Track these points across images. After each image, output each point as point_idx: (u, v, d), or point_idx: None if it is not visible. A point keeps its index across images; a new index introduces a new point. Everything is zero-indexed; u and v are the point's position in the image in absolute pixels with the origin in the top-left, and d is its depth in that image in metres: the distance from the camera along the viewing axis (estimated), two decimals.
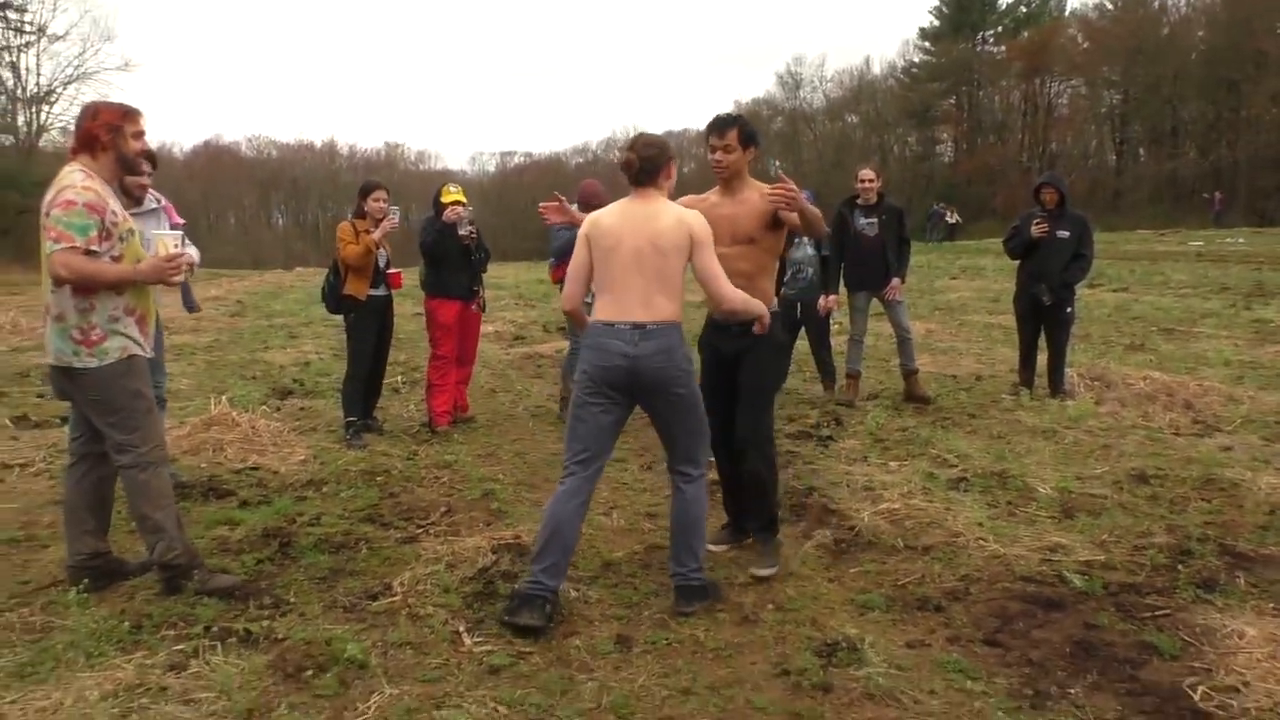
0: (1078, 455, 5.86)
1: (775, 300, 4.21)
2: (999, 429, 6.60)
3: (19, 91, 41.69)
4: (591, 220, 3.76)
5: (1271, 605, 3.61)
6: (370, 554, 4.29)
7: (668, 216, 3.62)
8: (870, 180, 7.46)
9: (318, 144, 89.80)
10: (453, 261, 6.71)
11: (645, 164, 3.66)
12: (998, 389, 7.96)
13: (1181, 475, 5.33)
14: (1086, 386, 7.53)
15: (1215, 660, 3.18)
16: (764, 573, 4.03)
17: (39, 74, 42.64)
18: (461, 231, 6.68)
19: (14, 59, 40.98)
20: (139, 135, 3.72)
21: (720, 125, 4.00)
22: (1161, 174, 50.27)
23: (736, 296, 3.70)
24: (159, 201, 4.97)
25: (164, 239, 3.70)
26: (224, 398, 6.92)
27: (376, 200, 6.53)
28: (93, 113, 3.69)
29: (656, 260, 3.58)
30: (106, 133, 3.61)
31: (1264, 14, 44.18)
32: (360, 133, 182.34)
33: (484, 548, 4.22)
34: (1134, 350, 9.82)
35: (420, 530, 4.64)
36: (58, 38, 41.69)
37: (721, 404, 4.12)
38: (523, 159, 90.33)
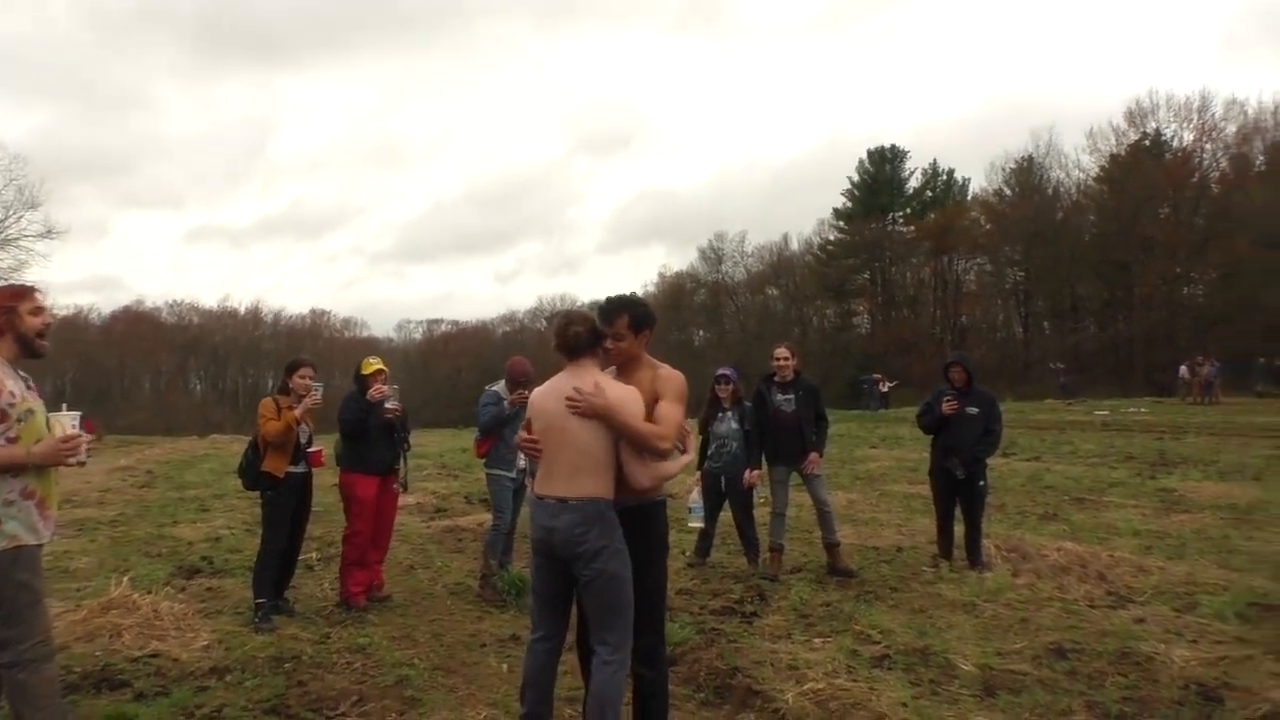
0: (997, 629, 5.90)
1: (663, 491, 4.07)
2: (920, 603, 6.63)
3: None
4: (532, 397, 3.96)
5: None
6: None
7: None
8: (785, 359, 7.72)
9: (241, 310, 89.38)
10: (373, 436, 6.66)
11: (588, 337, 3.86)
12: (918, 560, 8.04)
13: (1098, 649, 5.39)
14: (1004, 558, 7.66)
15: None
16: None
17: None
18: (388, 405, 6.67)
19: None
20: (37, 311, 3.68)
21: (608, 313, 3.94)
22: (1065, 347, 52.83)
23: (645, 475, 3.76)
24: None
25: (61, 420, 3.63)
26: (125, 578, 6.60)
27: (302, 377, 6.51)
28: None
29: (579, 437, 3.71)
30: (0, 315, 3.59)
31: (1147, 203, 47.93)
32: (287, 298, 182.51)
33: None
34: (1048, 520, 10.06)
35: None
36: None
37: None
38: (449, 327, 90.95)
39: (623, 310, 3.93)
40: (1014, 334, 60.45)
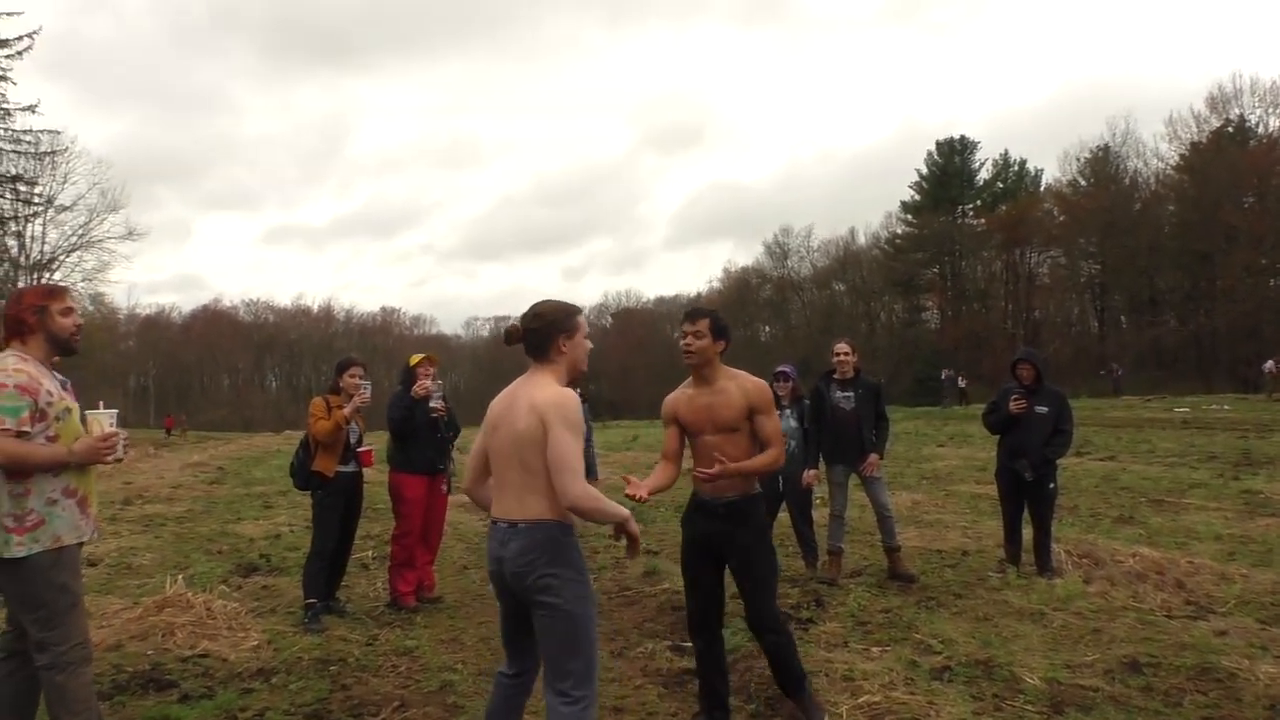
0: (1067, 640, 5.61)
1: (757, 484, 4.35)
2: (985, 610, 6.35)
3: (23, 259, 42.66)
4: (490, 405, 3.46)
5: None
6: None
7: (527, 402, 3.22)
8: (845, 354, 7.47)
9: (314, 308, 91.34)
10: (420, 436, 6.62)
11: (530, 336, 3.37)
12: (984, 565, 7.74)
13: (1175, 663, 5.07)
14: (1075, 564, 7.32)
15: None
16: None
17: (44, 241, 43.80)
18: (432, 404, 6.62)
19: (20, 228, 42.14)
20: (67, 312, 3.67)
21: (694, 314, 4.27)
22: (1144, 341, 51.20)
23: (586, 495, 3.09)
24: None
25: (99, 418, 3.62)
26: (180, 577, 6.66)
27: (352, 377, 6.49)
28: (17, 298, 3.67)
29: (522, 451, 3.18)
30: (32, 314, 3.58)
31: (1230, 191, 46.16)
32: (359, 296, 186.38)
33: None
34: (1123, 523, 9.64)
35: None
36: (65, 208, 43.01)
37: (701, 586, 4.33)
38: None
39: (708, 314, 4.29)
40: (1089, 328, 58.88)
